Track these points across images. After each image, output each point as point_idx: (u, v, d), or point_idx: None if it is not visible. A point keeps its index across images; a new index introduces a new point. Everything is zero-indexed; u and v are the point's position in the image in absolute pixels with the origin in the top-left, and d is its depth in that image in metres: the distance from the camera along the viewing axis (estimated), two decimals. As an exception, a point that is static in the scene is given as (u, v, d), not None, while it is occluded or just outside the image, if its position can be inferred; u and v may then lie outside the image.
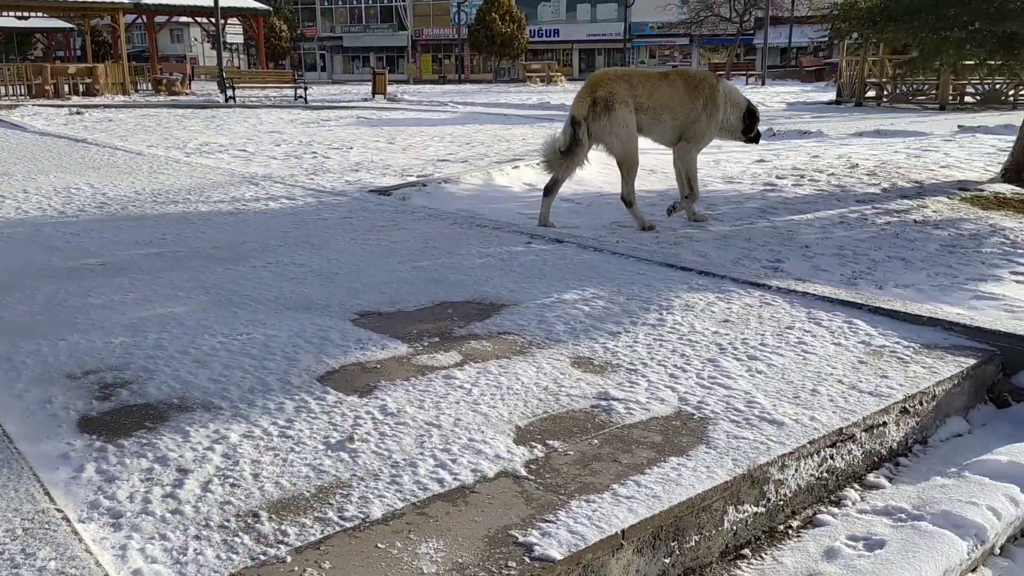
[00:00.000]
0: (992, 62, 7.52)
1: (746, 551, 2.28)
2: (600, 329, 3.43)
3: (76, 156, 8.80)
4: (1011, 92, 18.71)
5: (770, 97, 25.22)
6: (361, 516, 1.98)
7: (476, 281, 4.14)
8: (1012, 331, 3.24)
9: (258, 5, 38.69)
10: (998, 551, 2.38)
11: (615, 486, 2.15)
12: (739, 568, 2.20)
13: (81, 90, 26.38)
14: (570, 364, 3.05)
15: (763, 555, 2.27)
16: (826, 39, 8.76)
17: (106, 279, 4.07)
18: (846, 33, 8.42)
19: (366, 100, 25.87)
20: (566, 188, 7.58)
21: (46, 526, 1.83)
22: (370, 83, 28.71)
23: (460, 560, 1.81)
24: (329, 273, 4.23)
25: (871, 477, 2.64)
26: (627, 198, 5.89)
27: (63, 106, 19.29)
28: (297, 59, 67.86)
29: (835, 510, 2.45)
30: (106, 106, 20.12)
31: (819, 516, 2.41)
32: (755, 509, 2.34)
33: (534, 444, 2.40)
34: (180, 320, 3.44)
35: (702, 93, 5.83)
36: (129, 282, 4.01)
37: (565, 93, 31.19)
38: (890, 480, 2.64)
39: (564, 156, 5.71)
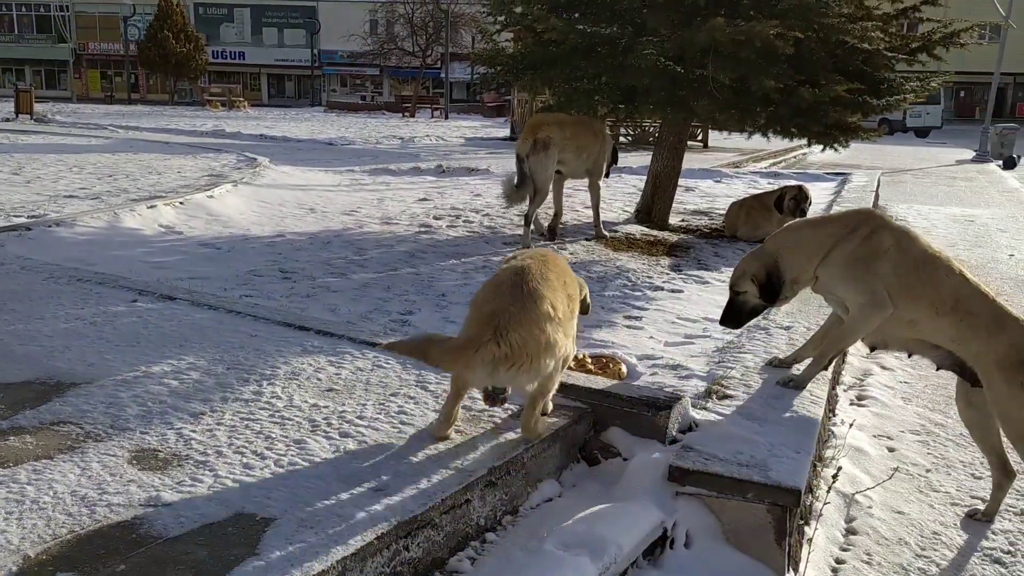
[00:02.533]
0: (620, 107, 8.13)
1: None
2: (182, 411, 3.02)
3: None
4: (656, 133, 20.79)
5: (451, 132, 26.08)
6: None
7: (49, 354, 3.52)
8: (600, 387, 3.34)
9: None
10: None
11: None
12: None
13: None
14: (128, 461, 2.61)
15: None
16: (478, 80, 9.03)
17: None
18: (494, 78, 8.71)
19: (7, 120, 22.78)
20: (207, 230, 7.06)
21: None
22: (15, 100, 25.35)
23: None
24: None
25: (454, 561, 2.52)
26: (529, 217, 7.06)
27: None
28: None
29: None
30: None
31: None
32: (311, 626, 2.08)
33: (38, 583, 1.95)
34: None
35: (601, 136, 7.43)
36: None
37: (247, 120, 29.75)
38: (473, 562, 2.53)
39: (518, 189, 6.92)
